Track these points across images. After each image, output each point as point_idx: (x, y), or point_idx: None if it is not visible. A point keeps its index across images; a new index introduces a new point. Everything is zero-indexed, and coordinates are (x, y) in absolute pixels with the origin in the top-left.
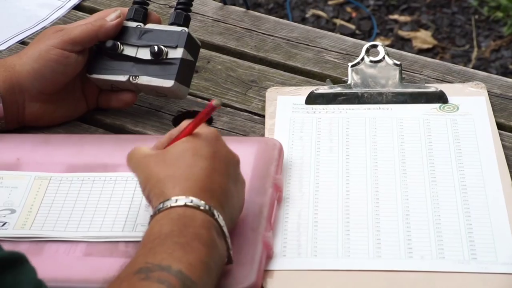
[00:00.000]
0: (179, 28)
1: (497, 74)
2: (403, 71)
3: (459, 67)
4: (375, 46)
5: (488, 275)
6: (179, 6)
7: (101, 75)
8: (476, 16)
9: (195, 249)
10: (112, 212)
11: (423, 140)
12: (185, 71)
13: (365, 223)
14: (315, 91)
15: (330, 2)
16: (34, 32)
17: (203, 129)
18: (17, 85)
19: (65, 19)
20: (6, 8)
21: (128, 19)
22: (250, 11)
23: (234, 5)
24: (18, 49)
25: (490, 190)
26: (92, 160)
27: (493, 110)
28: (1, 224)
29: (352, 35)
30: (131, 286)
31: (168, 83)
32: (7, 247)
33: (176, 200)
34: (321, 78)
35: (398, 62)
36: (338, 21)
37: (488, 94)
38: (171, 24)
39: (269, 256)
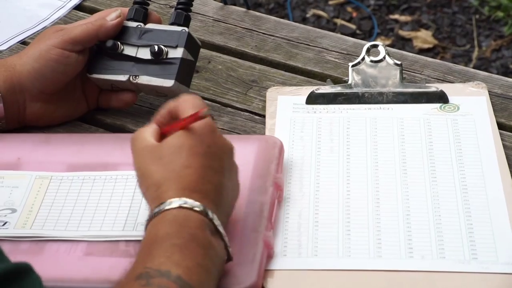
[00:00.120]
0: (179, 28)
1: (497, 74)
2: (403, 71)
3: (460, 67)
4: (375, 46)
5: (489, 275)
6: (180, 6)
7: (101, 75)
8: (477, 16)
9: (193, 251)
10: (113, 211)
11: (423, 140)
12: (185, 71)
13: (366, 223)
14: (316, 91)
15: (330, 2)
16: (34, 32)
17: (198, 122)
18: (18, 85)
19: (65, 19)
20: (7, 8)
21: (128, 19)
22: (251, 11)
23: (235, 5)
24: (18, 49)
25: (490, 190)
26: (93, 159)
27: (494, 110)
28: (2, 223)
29: (353, 35)
30: None
31: (168, 82)
32: (7, 246)
33: (171, 203)
34: (321, 78)
35: (398, 62)
36: (339, 21)
37: (489, 94)
38: (172, 24)
39: (269, 255)
